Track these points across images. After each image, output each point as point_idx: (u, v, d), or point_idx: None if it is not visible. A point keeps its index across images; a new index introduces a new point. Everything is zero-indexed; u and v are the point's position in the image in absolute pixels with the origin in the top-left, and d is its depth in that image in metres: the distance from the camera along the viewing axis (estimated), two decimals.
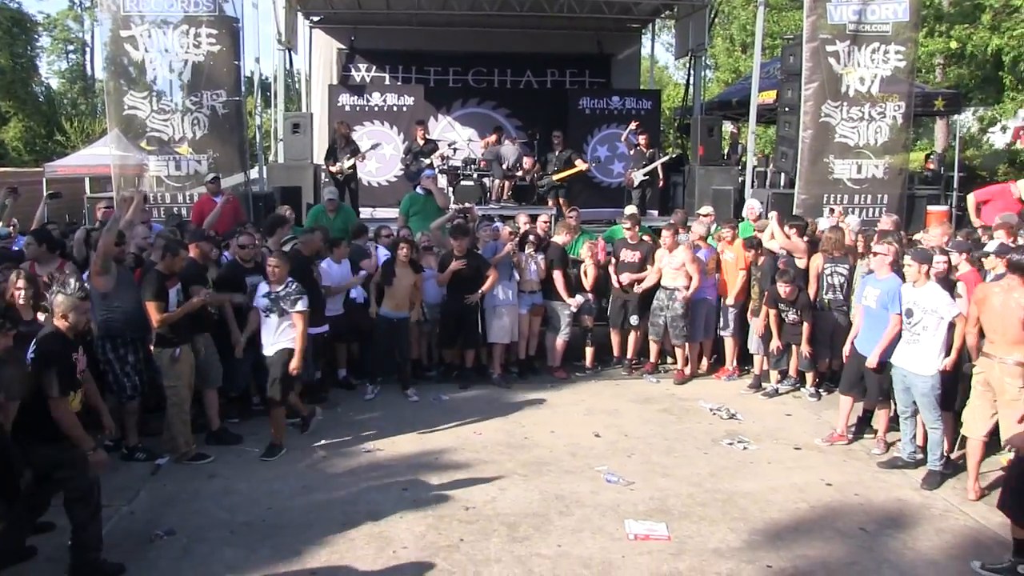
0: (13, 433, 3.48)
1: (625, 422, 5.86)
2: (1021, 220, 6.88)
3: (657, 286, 6.87)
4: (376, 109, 11.78)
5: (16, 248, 6.04)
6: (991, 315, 4.41)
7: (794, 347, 6.36)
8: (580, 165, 9.89)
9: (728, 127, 14.30)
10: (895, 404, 5.20)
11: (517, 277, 6.82)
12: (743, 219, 7.78)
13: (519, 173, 9.94)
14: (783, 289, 6.05)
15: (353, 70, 12.73)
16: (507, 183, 9.97)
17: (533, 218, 7.61)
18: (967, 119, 17.50)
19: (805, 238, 6.48)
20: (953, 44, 13.62)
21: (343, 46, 12.64)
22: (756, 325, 6.55)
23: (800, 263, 6.30)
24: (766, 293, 6.32)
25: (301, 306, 5.03)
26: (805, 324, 6.13)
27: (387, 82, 12.55)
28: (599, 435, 5.59)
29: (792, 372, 6.56)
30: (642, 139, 9.98)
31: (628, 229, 7.09)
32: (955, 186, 10.86)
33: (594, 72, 13.13)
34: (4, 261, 5.14)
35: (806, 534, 4.18)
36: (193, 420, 5.17)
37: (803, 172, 8.52)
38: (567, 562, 3.85)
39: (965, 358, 4.81)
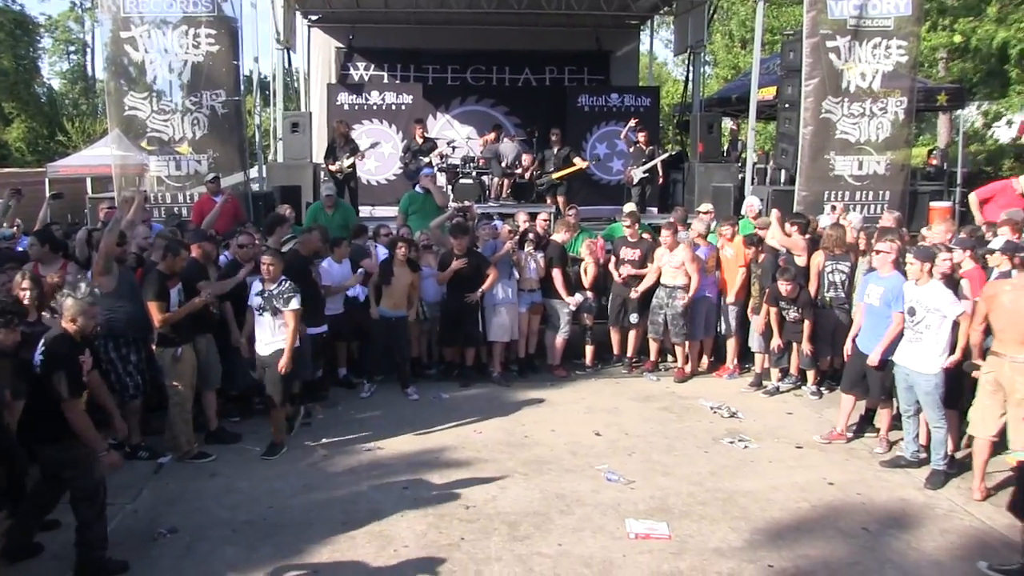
0: (20, 433, 3.51)
1: (625, 420, 5.86)
2: None
3: (657, 284, 6.86)
4: (375, 108, 11.77)
5: (20, 249, 6.05)
6: (1001, 313, 4.35)
7: (795, 345, 6.35)
8: (579, 163, 9.87)
9: (728, 124, 14.26)
10: (897, 403, 5.18)
11: (517, 275, 6.81)
12: (743, 216, 7.77)
13: (518, 171, 9.92)
14: (784, 287, 6.04)
15: (352, 69, 12.72)
16: (506, 181, 9.96)
17: (532, 216, 7.60)
18: (971, 114, 17.41)
19: (807, 236, 6.46)
20: (957, 38, 13.51)
21: (341, 45, 12.63)
22: (757, 323, 6.54)
23: (800, 261, 6.28)
24: (767, 291, 6.30)
25: (294, 304, 5.01)
26: (806, 322, 6.11)
27: (386, 81, 12.54)
28: (599, 434, 5.59)
29: (793, 370, 6.55)
30: (641, 136, 9.95)
31: (628, 227, 7.08)
32: (958, 182, 10.80)
33: (593, 69, 13.10)
34: (8, 262, 5.17)
35: (808, 533, 4.17)
36: (194, 419, 5.19)
37: (803, 169, 8.48)
38: (568, 561, 3.85)
39: (967, 356, 4.78)
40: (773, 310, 6.25)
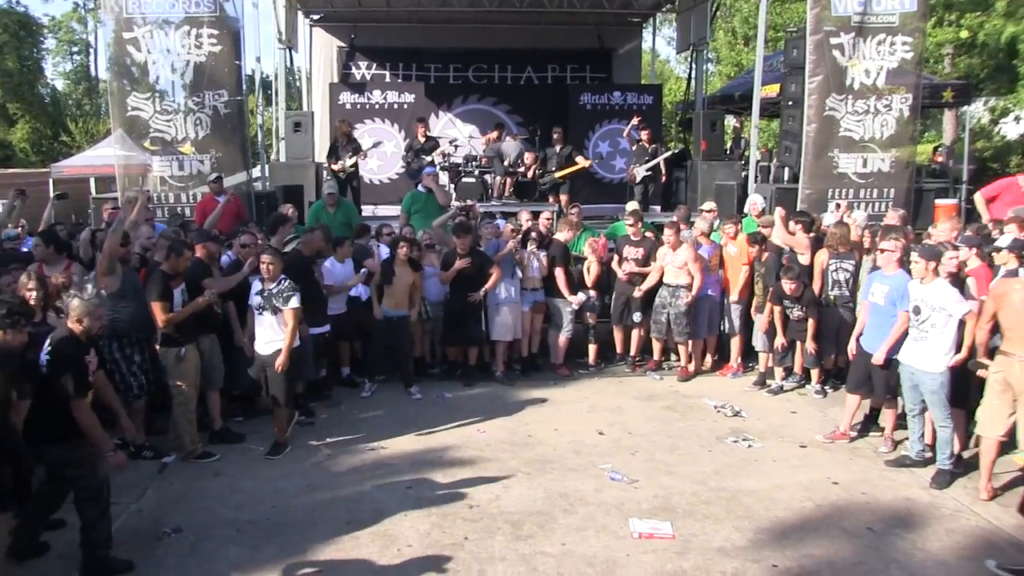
0: (25, 432, 3.52)
1: (629, 420, 5.85)
2: None
3: (660, 283, 6.84)
4: (377, 107, 11.76)
5: (25, 249, 6.07)
6: (1010, 311, 4.32)
7: (799, 344, 6.32)
8: (582, 162, 9.86)
9: (731, 121, 14.21)
10: (902, 402, 5.15)
11: (519, 274, 6.80)
12: (746, 215, 7.74)
13: (520, 169, 9.91)
14: (788, 286, 6.01)
15: (354, 68, 12.71)
16: (508, 180, 9.94)
17: (535, 215, 7.59)
18: (977, 110, 17.31)
19: (811, 234, 6.43)
20: (963, 33, 13.40)
21: (343, 44, 12.63)
22: (761, 322, 6.51)
23: (803, 259, 6.25)
24: (771, 290, 6.28)
25: (293, 303, 5.00)
26: (810, 320, 6.09)
27: (388, 80, 12.53)
28: (603, 433, 5.58)
29: (797, 369, 6.53)
30: (644, 134, 9.93)
31: (631, 225, 7.07)
32: (964, 179, 10.73)
33: (595, 67, 13.06)
34: (13, 262, 5.18)
35: (812, 533, 4.16)
36: (198, 419, 5.19)
37: (807, 167, 8.44)
38: (571, 560, 3.85)
39: (973, 355, 4.74)
40: (777, 309, 6.22)
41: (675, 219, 7.32)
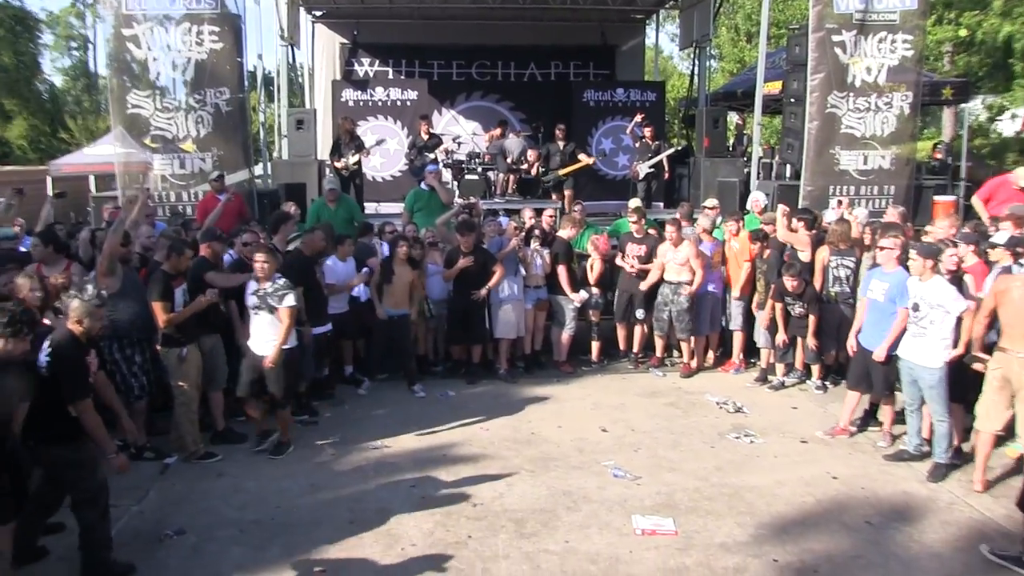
0: (24, 434, 3.50)
1: (632, 416, 5.87)
2: None
3: (662, 280, 6.85)
4: (380, 104, 11.74)
5: (23, 249, 6.05)
6: (1010, 308, 4.34)
7: (800, 340, 6.34)
8: (585, 159, 9.86)
9: (733, 118, 14.20)
10: (901, 397, 5.17)
11: (523, 272, 6.81)
12: (748, 211, 7.75)
13: (523, 167, 9.91)
14: (790, 283, 6.03)
15: (356, 65, 12.69)
16: (511, 177, 9.94)
17: (538, 212, 7.60)
18: (976, 107, 17.31)
19: (813, 231, 6.43)
20: (962, 32, 13.44)
21: (346, 41, 12.59)
22: (762, 318, 6.53)
23: (803, 256, 6.27)
24: (772, 286, 6.29)
25: (289, 302, 4.95)
26: (811, 317, 6.10)
27: (391, 76, 12.50)
28: (606, 430, 5.60)
29: (798, 365, 6.54)
30: (647, 131, 9.93)
31: (634, 223, 7.07)
32: (963, 176, 10.74)
33: (598, 64, 13.05)
34: (11, 262, 5.15)
35: (812, 528, 4.19)
36: (200, 420, 5.19)
37: (809, 164, 8.45)
38: (575, 558, 3.86)
39: (969, 350, 4.76)
40: (778, 305, 6.24)
41: (677, 216, 7.32)
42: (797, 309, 6.17)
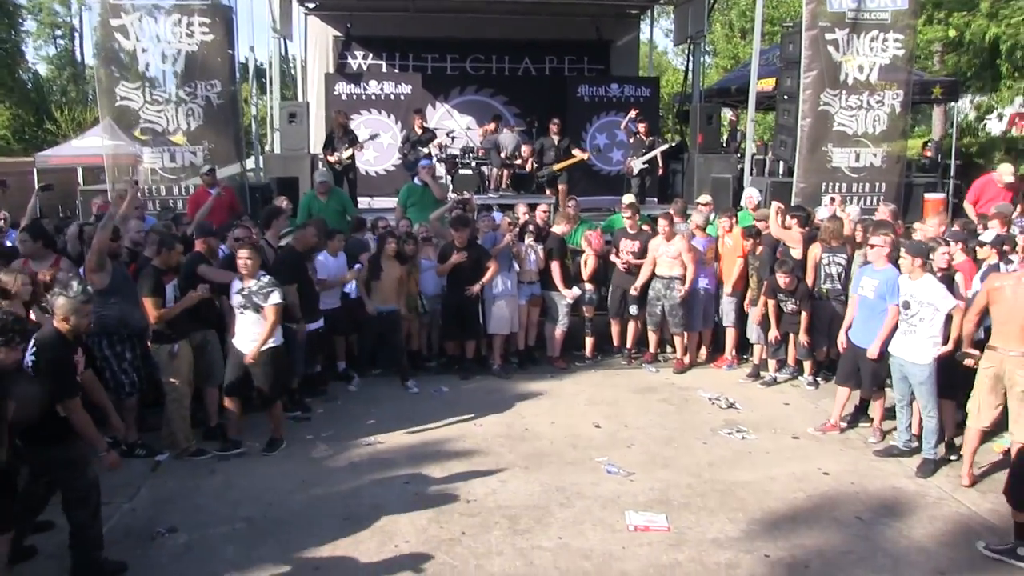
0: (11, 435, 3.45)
1: (625, 412, 5.89)
2: (1014, 206, 6.91)
3: (654, 275, 6.86)
4: (373, 98, 11.67)
5: (8, 243, 5.96)
6: (1003, 305, 4.35)
7: (792, 336, 6.38)
8: (579, 155, 9.85)
9: (727, 114, 14.25)
10: (891, 393, 5.23)
11: (516, 268, 6.81)
12: (742, 208, 7.78)
13: (517, 161, 9.89)
14: (782, 279, 6.06)
15: (349, 58, 12.58)
16: (505, 172, 9.92)
17: (532, 207, 7.59)
18: (964, 106, 17.46)
19: (805, 228, 6.47)
20: (951, 32, 13.53)
21: (339, 33, 12.49)
22: (755, 314, 6.57)
23: (795, 253, 6.30)
24: (765, 283, 6.33)
25: (274, 299, 4.89)
26: (803, 313, 6.14)
27: (384, 70, 12.41)
28: (599, 426, 5.62)
29: (790, 361, 6.59)
30: (641, 127, 9.93)
31: (628, 218, 7.08)
32: (952, 174, 10.85)
33: (593, 59, 13.02)
34: None
35: (803, 523, 4.23)
36: (192, 416, 5.15)
37: (801, 161, 8.50)
38: (568, 554, 3.88)
39: (959, 347, 4.81)
40: (771, 302, 6.27)
41: (670, 211, 7.34)
42: (789, 306, 6.21)
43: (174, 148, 8.01)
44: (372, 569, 3.76)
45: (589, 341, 7.22)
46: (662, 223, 6.80)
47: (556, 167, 9.72)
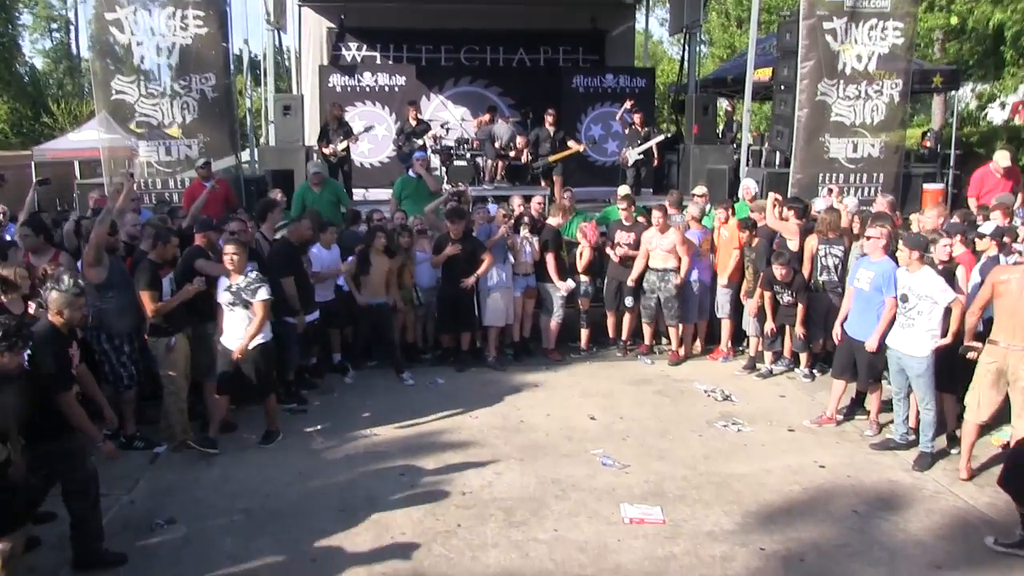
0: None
1: (620, 404, 5.90)
2: (1014, 195, 6.89)
3: (648, 266, 6.85)
4: (368, 89, 11.62)
5: (8, 238, 5.95)
6: (1008, 299, 4.30)
7: (788, 328, 6.38)
8: (575, 146, 9.82)
9: (723, 104, 14.17)
10: (887, 386, 5.23)
11: (511, 259, 6.80)
12: (739, 199, 7.76)
13: (512, 153, 9.86)
14: (779, 271, 6.05)
15: (344, 49, 12.53)
16: (500, 163, 9.89)
17: (527, 199, 7.57)
18: (965, 94, 17.39)
19: (803, 220, 6.45)
20: (953, 19, 13.45)
21: (333, 25, 12.43)
22: (751, 306, 6.56)
23: (792, 245, 6.29)
24: (761, 275, 6.32)
25: (262, 295, 4.86)
26: (799, 305, 6.14)
27: (378, 61, 12.37)
28: (594, 418, 5.63)
29: (786, 353, 6.59)
30: (636, 118, 9.90)
31: (624, 210, 7.06)
32: (951, 164, 10.80)
33: (588, 49, 12.97)
34: None
35: (799, 517, 4.24)
36: (190, 408, 5.17)
37: (798, 151, 8.46)
38: (563, 546, 3.90)
39: (960, 340, 4.79)
40: (767, 294, 6.27)
41: (665, 203, 7.32)
42: (786, 297, 6.21)
43: (169, 141, 8.01)
44: (368, 561, 3.78)
45: (584, 333, 7.23)
46: (656, 215, 6.79)
47: (551, 158, 9.69)
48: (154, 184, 8.04)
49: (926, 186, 8.95)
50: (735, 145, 10.70)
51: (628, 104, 10.14)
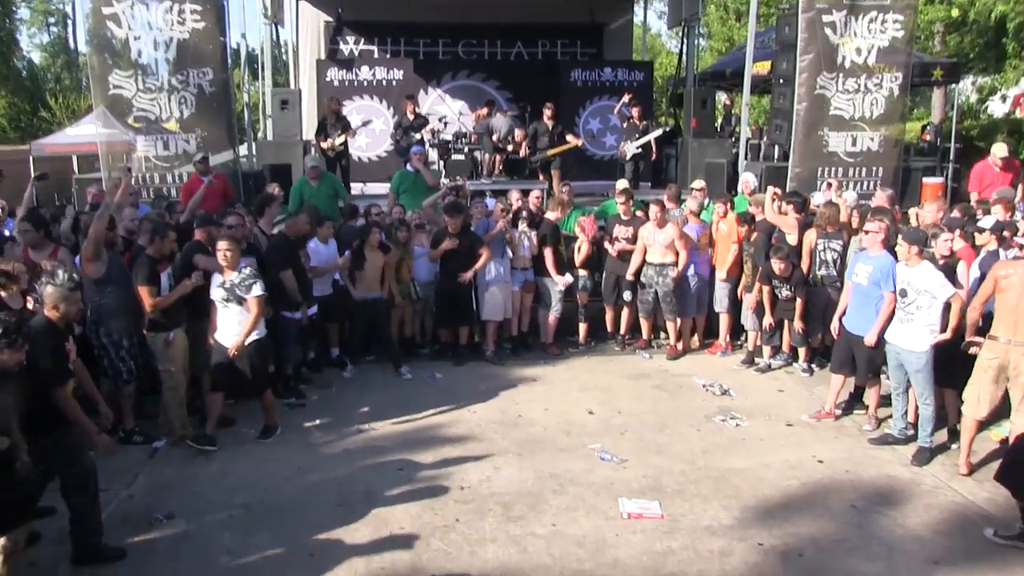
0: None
1: (618, 399, 5.90)
2: (1014, 188, 6.88)
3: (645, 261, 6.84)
4: (365, 84, 11.58)
5: (7, 233, 5.94)
6: (1011, 294, 4.27)
7: (787, 323, 6.38)
8: (572, 140, 9.79)
9: (722, 98, 14.13)
10: (886, 380, 5.23)
11: (510, 254, 6.79)
12: (738, 193, 7.74)
13: (510, 146, 9.83)
14: (777, 266, 6.05)
15: (341, 43, 12.47)
16: (498, 157, 9.86)
17: (525, 193, 7.56)
18: (965, 87, 17.33)
19: (801, 214, 6.44)
20: (954, 12, 13.39)
21: (330, 19, 12.37)
22: (749, 301, 6.56)
23: (790, 239, 6.28)
24: (760, 269, 6.32)
25: (256, 291, 4.84)
26: (798, 300, 6.14)
27: (376, 55, 12.32)
28: (592, 412, 5.63)
29: (785, 347, 6.59)
30: (635, 111, 9.85)
31: (622, 204, 7.05)
32: (951, 157, 10.78)
33: (586, 42, 12.91)
34: None
35: (797, 511, 4.24)
36: (189, 403, 5.17)
37: (797, 145, 8.45)
38: (561, 541, 3.90)
39: (961, 336, 4.78)
40: (766, 288, 6.27)
41: (664, 197, 7.31)
42: (784, 292, 6.20)
43: (167, 136, 8.00)
44: (366, 555, 3.79)
45: (582, 327, 7.23)
46: (654, 210, 6.77)
47: (549, 152, 9.66)
48: (152, 179, 8.03)
49: (926, 180, 8.93)
50: (734, 139, 10.68)
51: (626, 98, 10.09)
